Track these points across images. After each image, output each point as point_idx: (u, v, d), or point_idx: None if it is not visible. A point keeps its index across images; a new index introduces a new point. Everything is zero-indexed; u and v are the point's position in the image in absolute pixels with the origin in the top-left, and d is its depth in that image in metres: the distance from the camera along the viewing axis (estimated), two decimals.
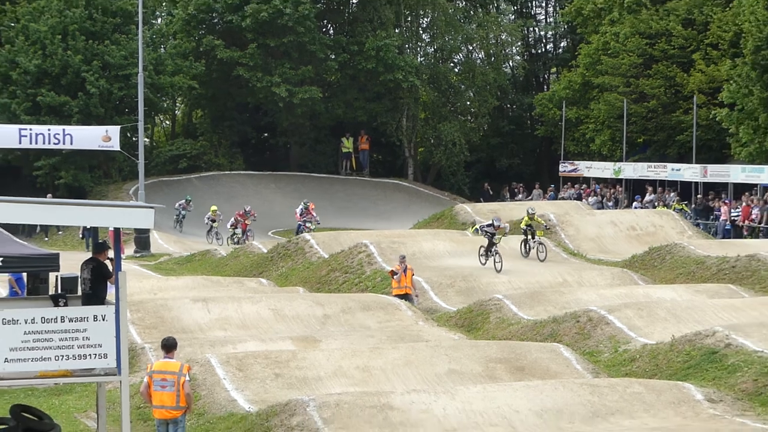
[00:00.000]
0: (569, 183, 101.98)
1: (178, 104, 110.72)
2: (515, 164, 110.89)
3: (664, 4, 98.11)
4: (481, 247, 54.55)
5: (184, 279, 57.11)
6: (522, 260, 59.46)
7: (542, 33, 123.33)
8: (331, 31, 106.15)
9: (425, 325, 44.12)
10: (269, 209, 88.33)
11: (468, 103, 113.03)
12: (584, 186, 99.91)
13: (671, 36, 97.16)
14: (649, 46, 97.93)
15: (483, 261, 54.60)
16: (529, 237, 59.40)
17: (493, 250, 53.84)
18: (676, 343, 39.13)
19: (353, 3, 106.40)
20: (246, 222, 78.22)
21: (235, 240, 74.48)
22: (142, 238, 69.44)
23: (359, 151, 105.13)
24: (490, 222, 55.83)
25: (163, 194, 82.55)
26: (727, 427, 29.52)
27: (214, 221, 79.07)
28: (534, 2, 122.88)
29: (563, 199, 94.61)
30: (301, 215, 74.37)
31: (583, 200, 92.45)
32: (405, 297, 47.10)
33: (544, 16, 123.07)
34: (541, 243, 58.93)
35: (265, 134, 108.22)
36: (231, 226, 77.66)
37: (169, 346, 26.94)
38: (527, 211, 61.65)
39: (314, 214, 76.42)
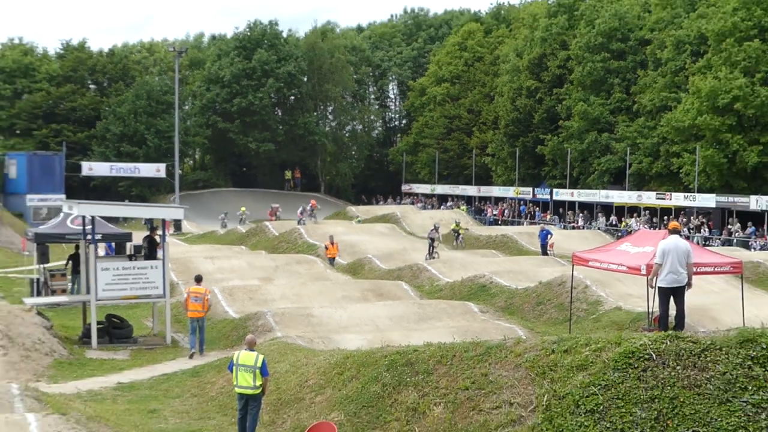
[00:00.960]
0: (408, 196, 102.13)
1: (197, 152, 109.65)
2: (378, 185, 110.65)
3: (458, 100, 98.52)
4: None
5: (200, 246, 56.78)
6: (384, 236, 59.54)
7: (393, 115, 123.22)
8: (280, 113, 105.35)
9: (331, 272, 44.04)
10: (247, 210, 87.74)
11: (353, 152, 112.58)
12: (415, 197, 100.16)
13: (461, 118, 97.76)
14: (449, 122, 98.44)
15: (426, 258, 47.96)
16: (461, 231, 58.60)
17: (434, 251, 49.46)
18: (464, 281, 39.43)
19: (291, 99, 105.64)
20: (276, 215, 77.09)
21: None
22: (177, 223, 68.90)
23: (295, 178, 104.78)
24: (433, 228, 52.29)
25: (188, 201, 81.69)
26: (491, 325, 29.66)
27: (242, 219, 75.98)
28: (388, 99, 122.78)
29: (404, 204, 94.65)
30: (301, 213, 70.45)
31: (415, 205, 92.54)
32: (332, 260, 46.82)
33: (394, 106, 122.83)
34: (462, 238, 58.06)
35: (244, 168, 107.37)
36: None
37: (198, 279, 28.12)
38: (455, 221, 62.11)
39: (317, 206, 73.70)
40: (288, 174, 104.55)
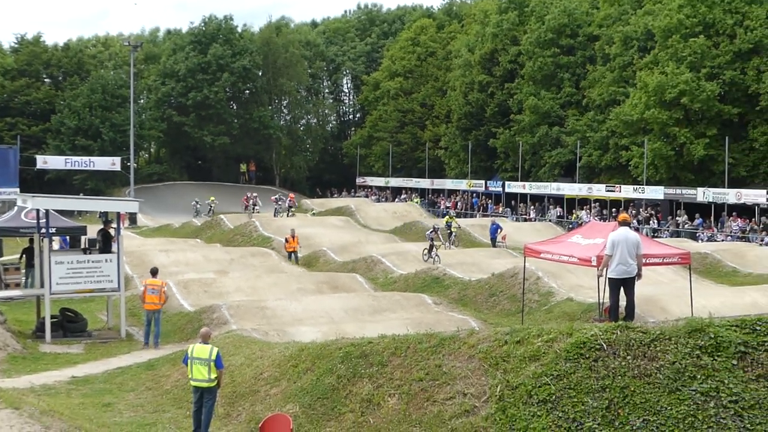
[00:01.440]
0: (362, 189, 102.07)
1: (152, 145, 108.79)
2: (333, 178, 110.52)
3: (411, 94, 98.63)
4: (424, 249, 45.80)
5: (155, 239, 56.33)
6: (338, 228, 59.42)
7: (347, 109, 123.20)
8: (235, 107, 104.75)
9: (285, 264, 43.90)
10: (200, 203, 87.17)
11: (307, 146, 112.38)
12: (369, 190, 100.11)
13: (414, 111, 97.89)
14: (403, 116, 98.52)
15: (425, 259, 44.63)
16: (453, 229, 54.61)
17: (433, 251, 45.00)
18: (418, 272, 39.47)
19: (246, 93, 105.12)
20: (251, 206, 75.66)
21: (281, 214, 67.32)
22: (132, 217, 68.24)
23: (250, 171, 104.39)
24: (432, 229, 48.73)
25: (143, 194, 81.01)
26: (444, 316, 29.68)
27: (211, 208, 74.88)
28: (342, 93, 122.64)
29: (359, 196, 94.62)
30: (277, 201, 68.60)
31: (369, 197, 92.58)
32: (293, 252, 45.83)
33: (348, 100, 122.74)
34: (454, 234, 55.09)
35: (199, 162, 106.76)
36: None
37: (154, 272, 28.21)
38: (448, 214, 61.42)
39: (294, 201, 71.21)
40: (243, 167, 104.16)
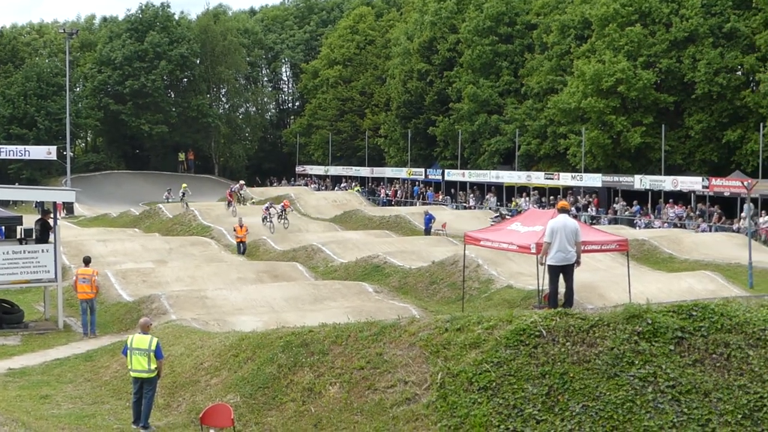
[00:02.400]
0: (302, 177, 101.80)
1: (89, 134, 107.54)
2: (272, 167, 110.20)
3: (350, 83, 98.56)
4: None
5: (92, 229, 55.76)
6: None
7: (286, 97, 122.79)
8: (173, 95, 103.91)
9: (225, 254, 43.72)
10: (139, 192, 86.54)
11: (247, 134, 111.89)
12: (309, 178, 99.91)
13: (353, 100, 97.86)
14: (342, 104, 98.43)
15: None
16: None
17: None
18: (358, 261, 39.51)
19: (184, 81, 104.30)
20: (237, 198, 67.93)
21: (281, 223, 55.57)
22: (69, 206, 67.37)
23: (188, 160, 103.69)
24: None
25: (80, 184, 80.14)
26: (385, 305, 29.71)
27: (184, 195, 68.99)
28: (281, 81, 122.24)
29: (298, 185, 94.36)
30: (267, 209, 55.53)
31: (309, 186, 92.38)
32: (242, 243, 45.66)
33: (287, 88, 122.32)
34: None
35: (137, 151, 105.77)
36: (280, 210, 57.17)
37: (86, 261, 27.89)
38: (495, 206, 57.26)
39: (289, 208, 58.10)
40: (181, 156, 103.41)
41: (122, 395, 18.97)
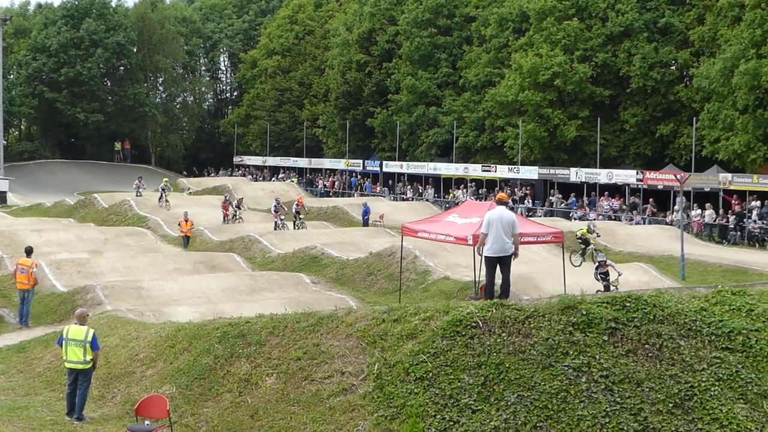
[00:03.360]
0: (240, 168, 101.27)
1: (23, 122, 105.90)
2: (210, 157, 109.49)
3: (289, 73, 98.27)
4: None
5: (26, 219, 54.93)
6: (216, 208, 58.97)
7: (224, 87, 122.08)
8: (109, 84, 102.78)
9: (162, 244, 43.40)
10: (74, 181, 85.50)
11: (184, 124, 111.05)
12: (247, 169, 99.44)
13: (292, 90, 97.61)
14: (280, 95, 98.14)
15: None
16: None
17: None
18: (296, 252, 39.42)
19: (121, 70, 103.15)
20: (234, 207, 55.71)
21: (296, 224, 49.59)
22: (2, 196, 66.47)
23: (125, 149, 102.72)
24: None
25: (14, 173, 79.12)
26: (322, 296, 29.73)
27: (164, 189, 59.11)
28: (220, 70, 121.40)
29: (236, 176, 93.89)
30: (276, 211, 49.52)
31: (247, 177, 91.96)
32: (186, 237, 44.48)
33: (225, 78, 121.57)
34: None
35: (72, 140, 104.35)
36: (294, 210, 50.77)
37: (28, 251, 27.67)
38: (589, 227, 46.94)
39: (304, 206, 52.85)
40: (117, 145, 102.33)
41: (56, 387, 18.76)
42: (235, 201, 55.98)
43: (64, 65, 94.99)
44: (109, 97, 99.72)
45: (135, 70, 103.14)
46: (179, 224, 45.67)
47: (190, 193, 70.92)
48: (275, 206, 50.24)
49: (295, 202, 51.75)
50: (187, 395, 16.77)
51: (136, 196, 49.88)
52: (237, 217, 53.99)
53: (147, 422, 15.19)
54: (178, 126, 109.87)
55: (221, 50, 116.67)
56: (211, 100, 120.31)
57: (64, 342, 16.66)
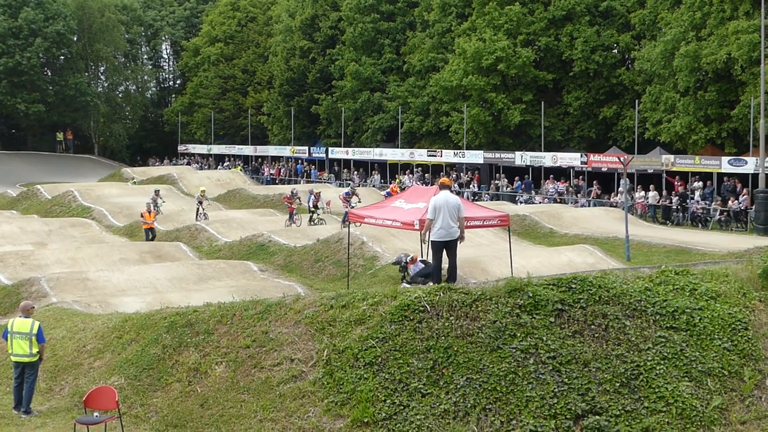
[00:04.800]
0: (184, 156, 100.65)
1: None
2: (154, 146, 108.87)
3: (232, 60, 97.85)
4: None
5: None
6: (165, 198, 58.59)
7: (167, 75, 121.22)
8: (49, 73, 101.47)
9: (107, 234, 43.08)
10: (15, 172, 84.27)
11: (127, 113, 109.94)
12: (192, 157, 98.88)
13: (235, 78, 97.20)
14: (224, 82, 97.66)
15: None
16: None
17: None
18: (243, 240, 39.29)
19: (61, 59, 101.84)
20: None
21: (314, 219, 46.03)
22: None
23: (67, 139, 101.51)
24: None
25: None
26: (270, 283, 29.70)
27: (200, 202, 49.04)
28: (162, 59, 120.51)
29: (181, 164, 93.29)
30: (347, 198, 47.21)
31: (192, 165, 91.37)
32: (150, 230, 40.77)
33: (168, 66, 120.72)
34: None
35: (13, 131, 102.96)
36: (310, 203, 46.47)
37: None
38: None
39: (359, 197, 48.35)
40: (60, 136, 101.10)
41: (2, 380, 18.58)
42: (311, 196, 47.16)
43: (2, 55, 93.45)
44: (50, 87, 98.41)
45: (76, 59, 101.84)
46: (142, 215, 41.58)
47: (135, 182, 70.34)
48: (310, 197, 46.68)
49: (311, 194, 47.25)
50: (135, 386, 16.72)
51: (156, 213, 43.84)
52: (316, 218, 46.17)
53: (96, 414, 15.12)
54: (121, 115, 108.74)
55: (163, 38, 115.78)
56: (154, 89, 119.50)
57: (9, 335, 16.53)
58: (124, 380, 16.94)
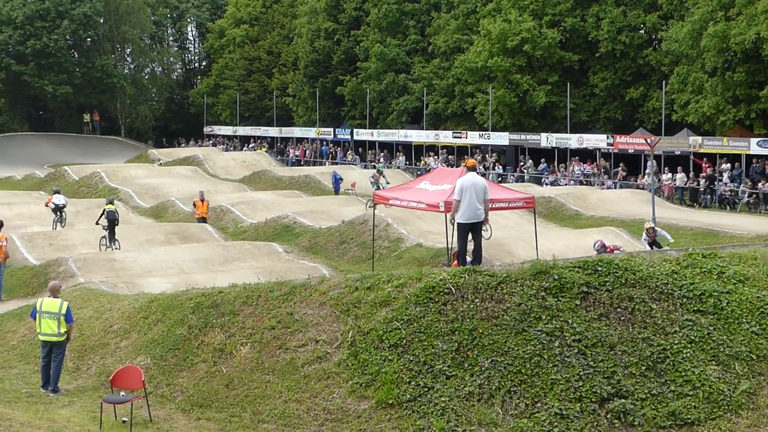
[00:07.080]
0: (210, 138, 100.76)
1: None
2: (180, 128, 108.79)
3: (257, 42, 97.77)
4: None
5: None
6: (187, 178, 58.64)
7: (192, 57, 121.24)
8: (76, 55, 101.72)
9: (134, 216, 43.27)
10: (42, 154, 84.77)
11: (153, 94, 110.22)
12: (217, 139, 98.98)
13: (260, 59, 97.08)
14: (249, 64, 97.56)
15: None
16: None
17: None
18: (268, 221, 39.39)
19: (88, 41, 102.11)
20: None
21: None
22: None
23: (94, 121, 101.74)
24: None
25: None
26: (295, 265, 29.73)
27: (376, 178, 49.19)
28: (187, 41, 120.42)
29: (207, 146, 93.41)
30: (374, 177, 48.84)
31: (217, 147, 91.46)
32: (203, 219, 39.76)
33: (193, 48, 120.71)
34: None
35: (41, 112, 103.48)
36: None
37: None
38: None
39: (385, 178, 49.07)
40: (86, 117, 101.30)
41: (30, 359, 18.70)
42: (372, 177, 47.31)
43: (30, 37, 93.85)
44: (77, 69, 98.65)
45: (102, 41, 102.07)
46: (194, 204, 40.68)
47: (161, 163, 70.56)
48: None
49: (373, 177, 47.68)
50: (161, 366, 16.78)
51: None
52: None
53: (122, 393, 15.19)
54: (147, 97, 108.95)
55: (188, 20, 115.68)
56: (179, 71, 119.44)
57: (37, 315, 16.61)
58: (150, 360, 17.01)
